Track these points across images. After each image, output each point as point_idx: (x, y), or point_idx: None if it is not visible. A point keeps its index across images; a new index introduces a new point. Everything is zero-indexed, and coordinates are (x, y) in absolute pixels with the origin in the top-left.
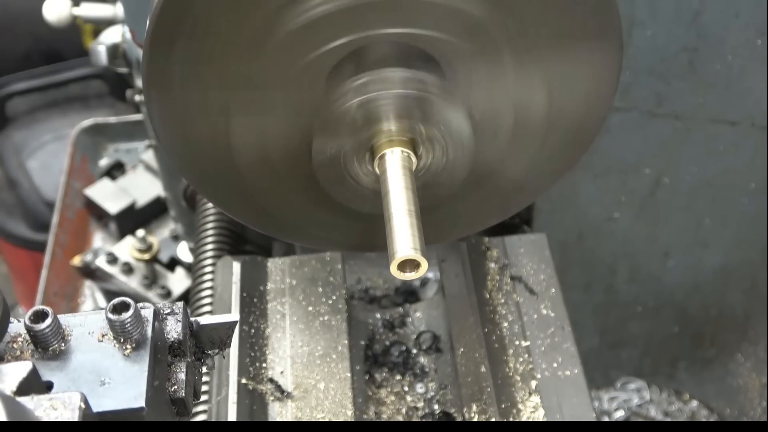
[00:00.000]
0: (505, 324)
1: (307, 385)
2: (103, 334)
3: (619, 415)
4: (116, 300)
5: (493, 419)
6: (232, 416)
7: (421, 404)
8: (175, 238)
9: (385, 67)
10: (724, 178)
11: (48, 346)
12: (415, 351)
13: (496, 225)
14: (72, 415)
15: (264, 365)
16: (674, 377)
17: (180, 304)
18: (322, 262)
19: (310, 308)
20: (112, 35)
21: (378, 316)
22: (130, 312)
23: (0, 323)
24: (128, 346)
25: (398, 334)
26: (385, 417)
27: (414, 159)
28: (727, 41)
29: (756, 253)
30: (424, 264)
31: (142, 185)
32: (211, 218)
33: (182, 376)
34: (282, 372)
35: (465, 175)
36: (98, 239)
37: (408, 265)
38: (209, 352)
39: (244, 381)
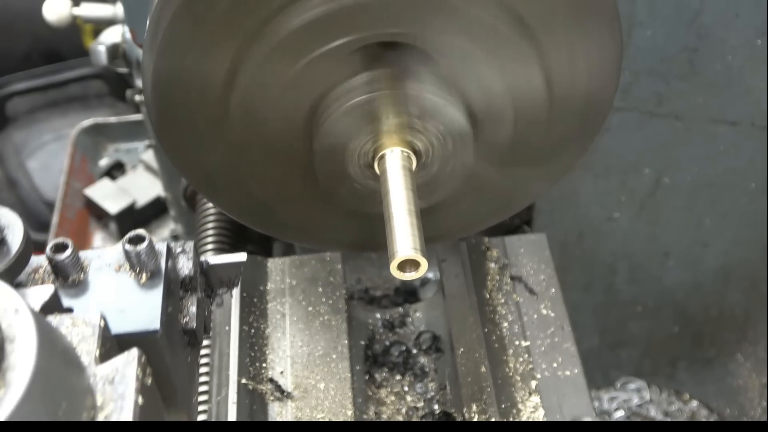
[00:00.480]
0: (505, 324)
1: (307, 385)
2: (120, 265)
3: (619, 415)
4: (132, 232)
5: (493, 419)
6: (232, 416)
7: (421, 404)
8: (175, 238)
9: (383, 66)
10: (724, 178)
11: (68, 275)
12: (415, 351)
13: (496, 225)
14: (92, 332)
15: (264, 365)
16: (674, 377)
17: (190, 243)
18: (322, 262)
19: (310, 308)
20: (112, 35)
21: (378, 316)
22: (145, 244)
23: (23, 254)
24: (143, 276)
25: (398, 334)
26: (385, 417)
27: (414, 159)
28: (727, 41)
29: (756, 253)
30: (424, 264)
31: (142, 185)
32: (211, 218)
33: (193, 309)
34: (282, 372)
35: (465, 174)
36: (98, 239)
37: (408, 265)
38: (218, 291)
39: (244, 381)
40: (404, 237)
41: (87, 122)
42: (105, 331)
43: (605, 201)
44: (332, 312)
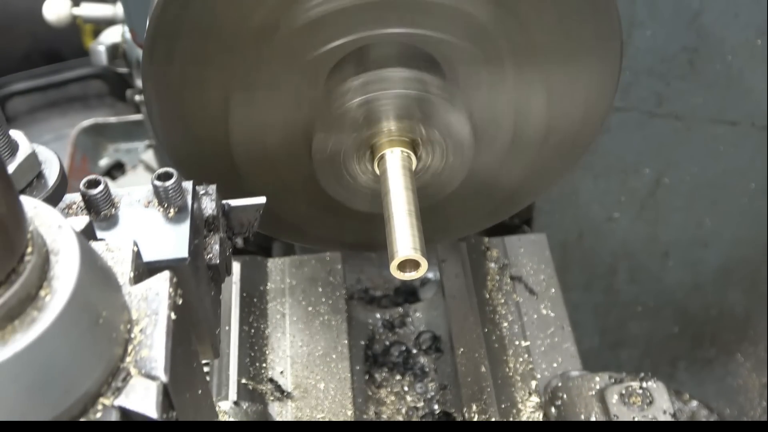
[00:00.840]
0: (505, 324)
1: (307, 385)
2: (149, 201)
3: None
4: (161, 169)
5: (493, 419)
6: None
7: (421, 404)
8: None
9: (386, 67)
10: (724, 178)
11: (100, 210)
12: (415, 351)
13: (496, 225)
14: (126, 256)
15: (264, 365)
16: (674, 377)
17: (213, 186)
18: (322, 262)
19: (310, 308)
20: (112, 35)
21: (378, 316)
22: (173, 179)
23: (59, 187)
24: (171, 211)
25: (398, 334)
26: (385, 417)
27: (414, 159)
28: (727, 41)
29: (756, 253)
30: (424, 264)
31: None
32: None
33: (216, 247)
34: (282, 372)
35: (465, 175)
36: None
37: (408, 265)
38: (238, 233)
39: (244, 381)
40: (404, 237)
41: (87, 122)
42: (137, 256)
43: (605, 201)
44: (332, 312)
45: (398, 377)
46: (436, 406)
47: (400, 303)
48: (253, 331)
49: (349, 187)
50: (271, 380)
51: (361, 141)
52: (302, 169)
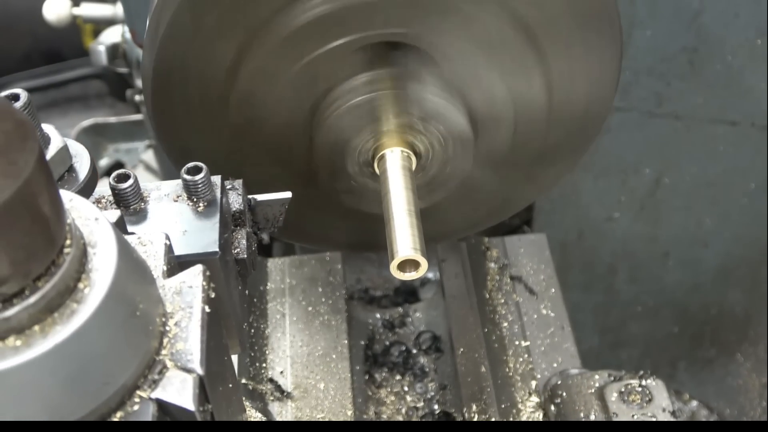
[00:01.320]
0: (505, 324)
1: (307, 385)
2: (178, 195)
3: None
4: (190, 164)
5: (493, 419)
6: None
7: (421, 404)
8: None
9: (385, 66)
10: (724, 178)
11: (129, 204)
12: (415, 351)
13: (496, 225)
14: (158, 250)
15: (264, 365)
16: (674, 377)
17: (239, 180)
18: (322, 262)
19: (310, 308)
20: (112, 35)
21: (378, 316)
22: (203, 174)
23: (90, 180)
24: (201, 205)
25: (398, 334)
26: (385, 417)
27: (414, 159)
28: (727, 41)
29: (756, 253)
30: (424, 264)
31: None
32: None
33: (243, 241)
34: (282, 372)
35: (465, 174)
36: None
37: (408, 265)
38: (263, 228)
39: (244, 381)
40: (404, 237)
41: (87, 122)
42: (169, 250)
43: (605, 201)
44: (332, 312)
45: (398, 377)
46: (436, 406)
47: (400, 303)
48: (252, 331)
49: (348, 187)
50: (271, 380)
51: (360, 141)
52: (302, 168)
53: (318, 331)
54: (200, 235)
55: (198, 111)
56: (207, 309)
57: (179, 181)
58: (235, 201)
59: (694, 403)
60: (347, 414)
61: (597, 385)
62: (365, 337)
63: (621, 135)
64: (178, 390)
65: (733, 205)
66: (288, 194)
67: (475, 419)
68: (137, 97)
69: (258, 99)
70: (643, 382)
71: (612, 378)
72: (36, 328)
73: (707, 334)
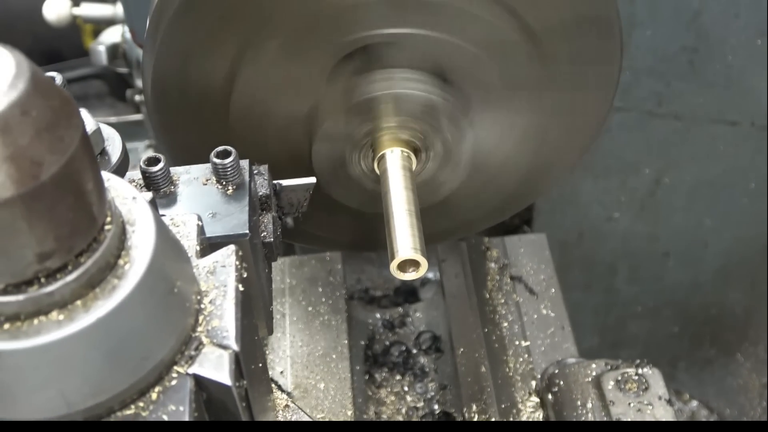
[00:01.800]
0: (505, 324)
1: (307, 385)
2: (207, 179)
3: None
4: (219, 147)
5: (493, 419)
6: None
7: (421, 404)
8: None
9: (390, 66)
10: (724, 178)
11: (159, 188)
12: (415, 351)
13: (496, 225)
14: (191, 230)
15: None
16: (674, 377)
17: (265, 165)
18: (322, 262)
19: (310, 308)
20: (112, 35)
21: (378, 316)
22: (232, 157)
23: (122, 163)
24: (230, 188)
25: (398, 334)
26: (385, 417)
27: (414, 159)
28: (727, 41)
29: (756, 253)
30: (424, 264)
31: None
32: None
33: (270, 225)
34: (282, 372)
35: (465, 175)
36: None
37: (408, 265)
38: (287, 213)
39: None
40: (404, 237)
41: None
42: (201, 231)
43: (605, 201)
44: (332, 312)
45: (398, 377)
46: (436, 406)
47: (400, 303)
48: None
49: (349, 186)
50: (271, 380)
51: (361, 140)
52: (303, 169)
53: (318, 331)
54: (230, 217)
55: (198, 110)
56: (240, 288)
57: (208, 165)
58: (261, 186)
59: (694, 403)
60: (347, 414)
61: (594, 373)
62: (365, 337)
63: (621, 135)
64: (215, 366)
65: (733, 205)
66: (312, 180)
67: (475, 419)
68: (137, 97)
69: (257, 98)
70: (640, 371)
71: (609, 367)
72: (78, 302)
73: (707, 334)
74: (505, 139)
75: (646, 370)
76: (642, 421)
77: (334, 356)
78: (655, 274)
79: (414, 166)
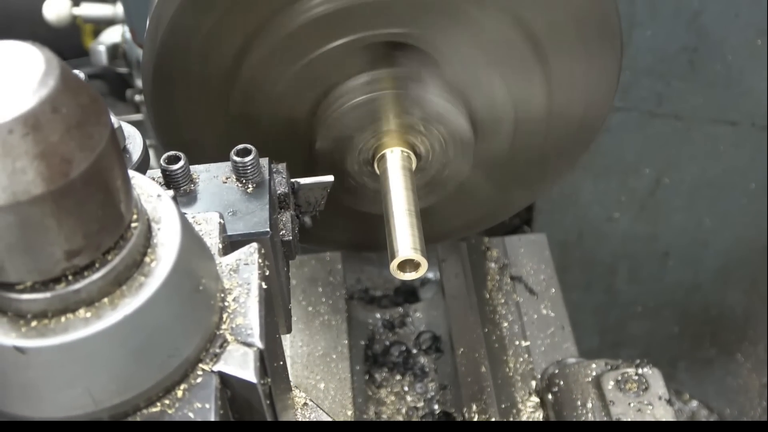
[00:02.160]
0: (505, 324)
1: (307, 385)
2: (227, 177)
3: None
4: (239, 146)
5: (493, 419)
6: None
7: (421, 404)
8: None
9: (386, 66)
10: (724, 178)
11: (179, 186)
12: (415, 351)
13: (496, 225)
14: (213, 228)
15: None
16: (674, 377)
17: (283, 164)
18: (322, 262)
19: (310, 308)
20: (112, 35)
21: (378, 316)
22: (252, 156)
23: (143, 161)
24: (250, 186)
25: (398, 334)
26: (385, 417)
27: (414, 159)
28: (727, 41)
29: (756, 253)
30: (424, 264)
31: None
32: None
33: (289, 224)
34: None
35: (466, 174)
36: None
37: (408, 265)
38: (305, 211)
39: None
40: (404, 237)
41: None
42: (223, 229)
43: (605, 201)
44: (332, 312)
45: (398, 377)
46: (436, 406)
47: (400, 303)
48: None
49: (349, 186)
50: None
51: (360, 141)
52: (303, 167)
53: (318, 331)
54: (250, 215)
55: (198, 110)
56: (264, 285)
57: (228, 164)
58: (280, 184)
59: (694, 403)
60: (347, 414)
61: (594, 373)
62: (365, 337)
63: (621, 135)
64: (240, 363)
65: (733, 205)
66: (330, 178)
67: (475, 419)
68: (137, 97)
69: (259, 97)
70: (640, 371)
71: (609, 367)
72: (105, 300)
73: (707, 334)
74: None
75: (646, 370)
76: (642, 421)
77: (334, 356)
78: (655, 274)
79: (414, 166)
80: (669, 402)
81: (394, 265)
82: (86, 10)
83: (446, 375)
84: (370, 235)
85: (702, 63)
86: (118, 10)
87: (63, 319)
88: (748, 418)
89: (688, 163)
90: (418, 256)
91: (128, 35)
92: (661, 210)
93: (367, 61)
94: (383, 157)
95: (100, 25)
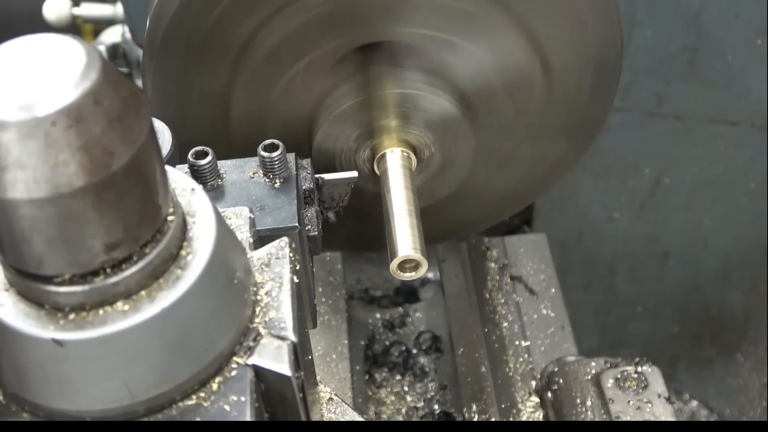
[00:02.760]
0: (505, 324)
1: None
2: (254, 172)
3: None
4: (266, 141)
5: (493, 419)
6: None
7: (421, 404)
8: None
9: (385, 65)
10: (724, 178)
11: (207, 181)
12: (415, 351)
13: (496, 225)
14: (243, 223)
15: None
16: (674, 377)
17: (308, 159)
18: (322, 262)
19: None
20: (112, 35)
21: (378, 316)
22: (279, 151)
23: (171, 159)
24: (277, 181)
25: (398, 334)
26: (385, 417)
27: (414, 159)
28: (727, 41)
29: (756, 253)
30: (424, 264)
31: None
32: None
33: (314, 219)
34: None
35: (467, 173)
36: None
37: (408, 265)
38: (328, 207)
39: None
40: (404, 237)
41: None
42: (253, 224)
43: (605, 201)
44: (332, 312)
45: (398, 377)
46: (436, 406)
47: (400, 303)
48: None
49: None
50: None
51: (360, 141)
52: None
53: (318, 331)
54: (278, 210)
55: (199, 110)
56: (295, 279)
57: (255, 159)
58: (305, 179)
59: (694, 403)
60: None
61: (593, 371)
62: (365, 337)
63: (621, 135)
64: (274, 356)
65: (733, 205)
66: (354, 174)
67: (475, 419)
68: None
69: (256, 106)
70: (639, 369)
71: (608, 365)
72: (143, 293)
73: (707, 334)
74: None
75: (646, 368)
76: (642, 421)
77: (334, 356)
78: (655, 274)
79: (414, 166)
80: (668, 400)
81: (394, 265)
82: (86, 10)
83: (446, 375)
84: (370, 235)
85: (702, 63)
86: (118, 10)
87: (101, 311)
88: (748, 418)
89: (688, 163)
90: (418, 256)
91: (128, 35)
92: (661, 210)
93: (351, 67)
94: (383, 157)
95: (100, 25)
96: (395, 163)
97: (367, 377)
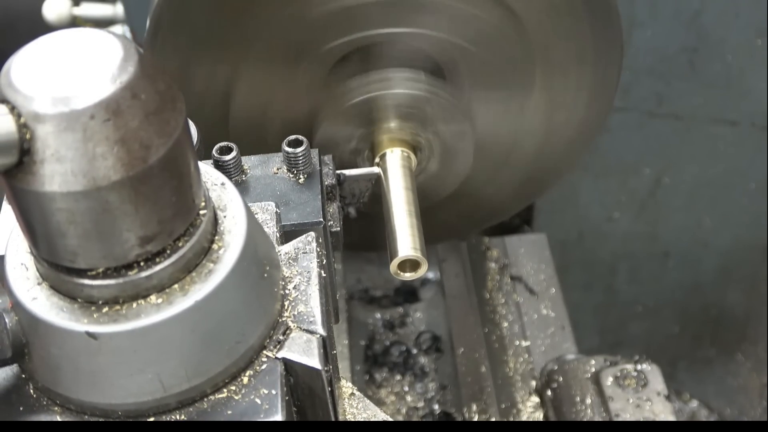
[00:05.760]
0: (505, 324)
1: None
2: (278, 167)
3: None
4: (291, 137)
5: (493, 419)
6: None
7: (421, 404)
8: None
9: (390, 66)
10: (724, 178)
11: (231, 176)
12: (415, 351)
13: (496, 225)
14: (269, 218)
15: None
16: (674, 377)
17: (329, 155)
18: None
19: None
20: None
21: (378, 316)
22: (303, 147)
23: (197, 152)
24: (301, 177)
25: (398, 334)
26: None
27: (414, 159)
28: (727, 41)
29: (756, 253)
30: (424, 264)
31: None
32: None
33: (336, 215)
34: None
35: (465, 174)
36: None
37: (408, 265)
38: (349, 203)
39: None
40: (404, 237)
41: None
42: (279, 219)
43: (605, 201)
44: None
45: (398, 377)
46: (436, 406)
47: (400, 303)
48: None
49: None
50: None
51: (361, 140)
52: None
53: None
54: (303, 205)
55: (199, 110)
56: (323, 273)
57: (278, 155)
58: (327, 175)
59: (694, 403)
60: None
61: (593, 369)
62: (365, 337)
63: (621, 135)
64: (304, 350)
65: (733, 205)
66: (376, 170)
67: (475, 419)
68: None
69: (256, 106)
70: (639, 367)
71: (608, 363)
72: (176, 286)
73: (707, 334)
74: (509, 119)
75: (645, 366)
76: (642, 421)
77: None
78: (655, 274)
79: (414, 166)
80: (668, 398)
81: (394, 265)
82: (86, 10)
83: (446, 375)
84: (370, 235)
85: (702, 63)
86: (118, 10)
87: (134, 305)
88: (748, 418)
89: (688, 163)
90: (418, 256)
91: (128, 35)
92: (661, 210)
93: (372, 60)
94: (383, 156)
95: (100, 25)
96: (395, 163)
97: (367, 377)
